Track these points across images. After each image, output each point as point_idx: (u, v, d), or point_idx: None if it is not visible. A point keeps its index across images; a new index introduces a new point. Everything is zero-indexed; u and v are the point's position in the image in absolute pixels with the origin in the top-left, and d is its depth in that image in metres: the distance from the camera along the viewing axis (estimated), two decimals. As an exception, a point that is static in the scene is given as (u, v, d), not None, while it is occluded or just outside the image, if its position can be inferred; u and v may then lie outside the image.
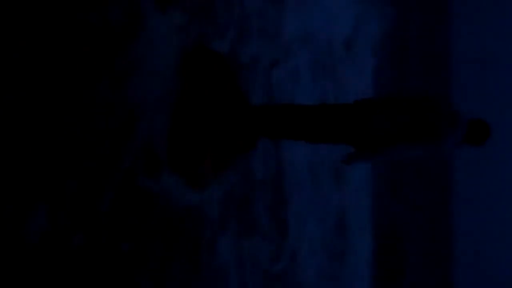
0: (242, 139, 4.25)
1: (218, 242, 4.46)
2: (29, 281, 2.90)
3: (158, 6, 3.82)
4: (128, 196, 3.56)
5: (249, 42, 4.91)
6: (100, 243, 3.33)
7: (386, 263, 8.75)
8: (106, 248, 3.38)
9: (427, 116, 4.00)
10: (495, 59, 13.45)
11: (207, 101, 4.10)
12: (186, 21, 4.10)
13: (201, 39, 4.25)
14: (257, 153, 5.07)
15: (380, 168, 8.57)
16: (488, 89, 13.56)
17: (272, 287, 5.33)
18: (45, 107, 3.00)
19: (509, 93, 13.48)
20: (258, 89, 5.06)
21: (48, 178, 3.01)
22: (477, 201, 14.16)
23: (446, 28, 13.21)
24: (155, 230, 3.80)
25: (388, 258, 8.85)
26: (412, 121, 4.00)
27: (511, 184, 13.99)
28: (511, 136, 13.71)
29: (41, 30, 2.97)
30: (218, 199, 4.48)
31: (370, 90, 7.85)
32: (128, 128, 3.56)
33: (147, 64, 3.73)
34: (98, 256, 3.32)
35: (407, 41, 9.88)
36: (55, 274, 3.04)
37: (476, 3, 13.18)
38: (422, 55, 11.12)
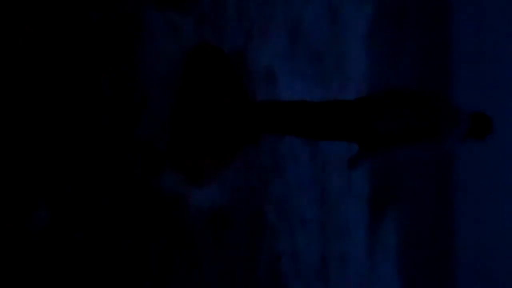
0: (243, 135, 4.25)
1: (220, 237, 4.47)
2: (30, 277, 2.91)
3: (158, 6, 3.82)
4: (129, 192, 3.57)
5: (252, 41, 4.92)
6: (101, 239, 3.34)
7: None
8: (107, 244, 3.39)
9: (430, 114, 3.99)
10: (494, 54, 13.46)
11: (209, 97, 4.10)
12: (187, 20, 4.10)
13: (203, 37, 4.25)
14: (260, 149, 5.08)
15: (378, 169, 8.57)
16: (486, 83, 13.57)
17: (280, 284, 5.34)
18: (46, 103, 3.00)
19: (508, 88, 13.49)
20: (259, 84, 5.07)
21: (49, 174, 3.01)
22: (477, 194, 14.18)
23: (446, 21, 13.20)
24: (156, 226, 3.81)
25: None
26: (416, 119, 3.99)
27: (509, 175, 14.02)
28: (508, 130, 13.74)
29: (41, 30, 2.97)
30: (219, 195, 4.48)
31: (366, 82, 7.84)
32: (129, 124, 3.57)
33: (149, 60, 3.73)
34: (99, 253, 3.33)
35: (404, 31, 9.86)
36: (57, 270, 3.06)
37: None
38: (420, 49, 11.11)
